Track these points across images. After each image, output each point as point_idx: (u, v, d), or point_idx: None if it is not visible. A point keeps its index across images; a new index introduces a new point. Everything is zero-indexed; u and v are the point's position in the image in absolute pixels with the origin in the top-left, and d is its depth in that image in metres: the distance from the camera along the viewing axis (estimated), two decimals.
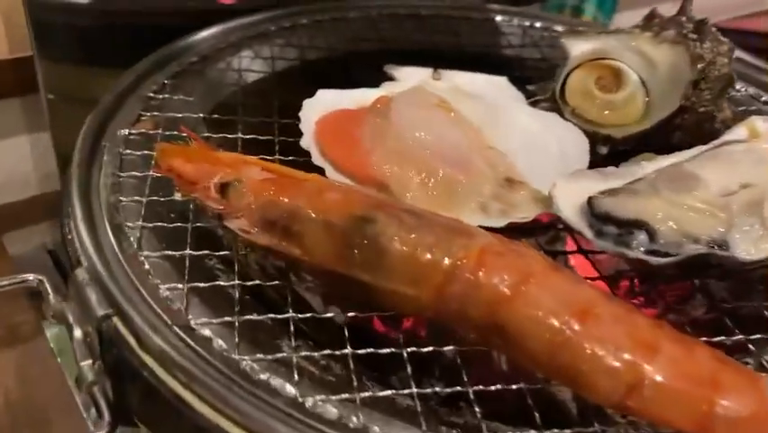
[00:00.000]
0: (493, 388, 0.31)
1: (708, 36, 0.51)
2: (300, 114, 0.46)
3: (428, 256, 0.32)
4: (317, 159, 0.42)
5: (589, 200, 0.39)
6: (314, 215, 0.33)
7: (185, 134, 0.40)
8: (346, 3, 0.67)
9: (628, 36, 0.53)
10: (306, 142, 0.44)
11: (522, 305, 0.30)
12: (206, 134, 0.47)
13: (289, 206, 0.34)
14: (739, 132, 0.44)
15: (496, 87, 0.55)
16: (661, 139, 0.52)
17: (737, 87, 0.63)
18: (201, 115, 0.49)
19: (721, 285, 0.43)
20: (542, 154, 0.48)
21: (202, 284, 0.34)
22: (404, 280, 0.32)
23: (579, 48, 0.53)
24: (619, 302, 0.32)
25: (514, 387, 0.32)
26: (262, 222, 0.34)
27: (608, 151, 0.50)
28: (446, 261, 0.32)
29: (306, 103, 0.47)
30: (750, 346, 0.35)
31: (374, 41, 0.64)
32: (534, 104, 0.53)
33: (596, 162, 0.49)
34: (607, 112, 0.52)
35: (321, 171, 0.42)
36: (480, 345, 0.32)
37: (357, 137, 0.43)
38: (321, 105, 0.47)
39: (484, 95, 0.53)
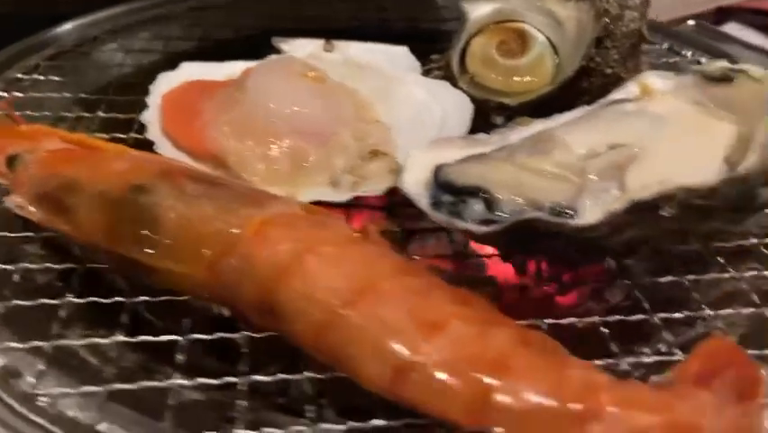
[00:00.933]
0: (270, 378, 0.27)
1: None
2: (151, 86, 0.43)
3: (204, 228, 0.28)
4: (153, 134, 0.39)
5: (436, 169, 0.34)
6: (90, 186, 0.30)
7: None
8: None
9: None
10: (148, 116, 0.40)
11: (296, 282, 0.26)
12: (69, 114, 0.45)
13: (65, 178, 0.30)
14: (631, 89, 0.38)
15: (392, 57, 0.50)
16: (565, 105, 0.47)
17: (684, 52, 0.57)
18: (66, 94, 0.47)
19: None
20: (423, 125, 0.43)
21: None
22: (177, 256, 0.28)
23: (479, 10, 0.49)
24: (420, 277, 0.27)
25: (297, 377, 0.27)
26: (36, 194, 0.31)
27: (504, 120, 0.45)
28: (222, 233, 0.28)
29: (162, 75, 0.44)
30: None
31: (289, 20, 0.61)
32: (427, 73, 0.49)
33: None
34: (510, 78, 0.47)
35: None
36: (262, 327, 0.28)
37: (200, 109, 0.40)
38: (178, 79, 0.44)
39: (378, 66, 0.49)
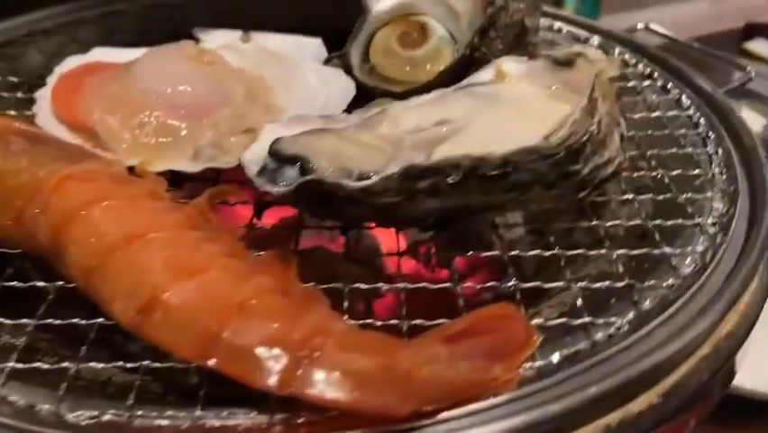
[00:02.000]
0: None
1: None
2: (56, 67, 0.46)
3: (15, 180, 0.30)
4: (40, 106, 0.42)
5: (273, 141, 0.36)
6: None
7: None
8: None
9: None
10: (42, 92, 0.43)
11: (76, 228, 0.28)
12: None
13: None
14: (486, 73, 0.39)
15: (303, 48, 0.52)
16: None
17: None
18: None
19: None
20: (307, 106, 0.45)
21: None
22: None
23: (382, 4, 0.50)
24: (199, 233, 0.29)
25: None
26: None
27: None
28: (29, 185, 0.30)
29: (71, 58, 0.47)
30: None
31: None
32: (327, 61, 0.50)
33: None
34: (408, 68, 0.48)
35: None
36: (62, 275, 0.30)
37: (84, 84, 0.42)
38: (85, 60, 0.47)
39: (287, 55, 0.51)
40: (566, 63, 0.37)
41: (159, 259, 0.26)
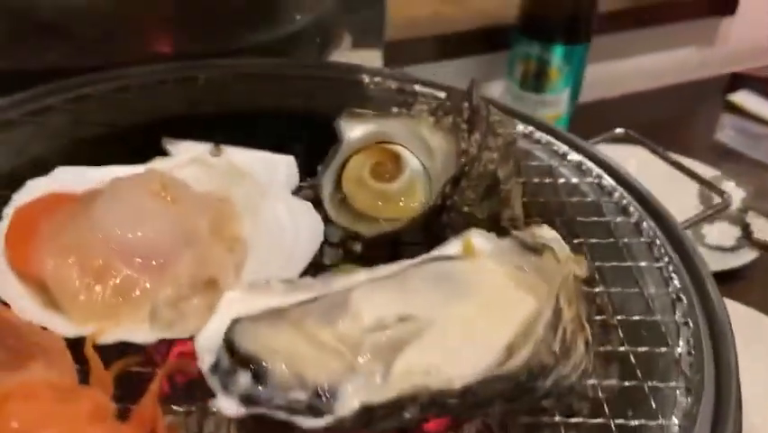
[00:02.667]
0: None
1: (479, 127, 0.45)
2: (15, 195, 0.44)
3: None
4: None
5: (231, 324, 0.35)
6: None
7: None
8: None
9: (411, 120, 0.48)
10: None
11: None
12: None
13: None
14: (454, 245, 0.38)
15: (274, 166, 0.51)
16: (429, 235, 0.47)
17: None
18: None
19: None
20: (273, 250, 0.44)
21: None
22: None
23: (357, 131, 0.49)
24: None
25: None
26: None
27: (363, 247, 0.45)
28: None
29: (31, 182, 0.45)
30: None
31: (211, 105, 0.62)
32: (298, 190, 0.49)
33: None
34: (380, 203, 0.47)
35: None
36: None
37: (40, 226, 0.41)
38: (45, 186, 0.45)
39: (258, 176, 0.50)
40: (534, 249, 0.36)
41: None
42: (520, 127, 0.58)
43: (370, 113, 0.49)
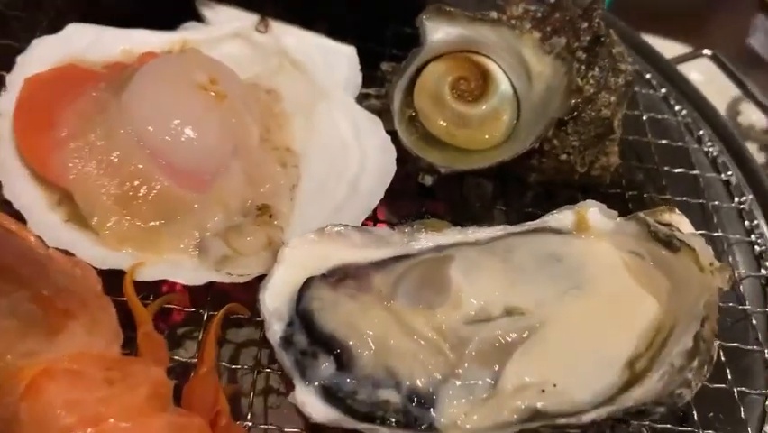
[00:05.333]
0: None
1: (600, 60, 0.38)
2: (19, 57, 0.35)
3: None
4: (1, 133, 0.32)
5: (305, 284, 0.29)
6: None
7: None
8: None
9: (511, 31, 0.40)
10: (2, 103, 0.33)
11: None
12: None
13: None
14: (566, 217, 0.32)
15: (333, 60, 0.42)
16: (508, 174, 0.41)
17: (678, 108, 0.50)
18: None
19: None
20: (333, 173, 0.37)
21: None
22: None
23: (442, 33, 0.40)
24: None
25: None
26: None
27: (434, 181, 0.39)
28: None
29: (38, 41, 0.36)
30: None
31: None
32: (364, 97, 0.41)
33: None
34: (457, 129, 0.40)
35: None
36: None
37: (59, 113, 0.32)
38: (56, 50, 0.36)
39: (313, 69, 0.41)
40: (665, 243, 0.30)
41: None
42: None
43: (463, 13, 0.40)
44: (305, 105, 0.40)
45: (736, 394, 0.35)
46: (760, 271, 0.40)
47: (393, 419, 0.26)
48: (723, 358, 0.36)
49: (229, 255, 0.32)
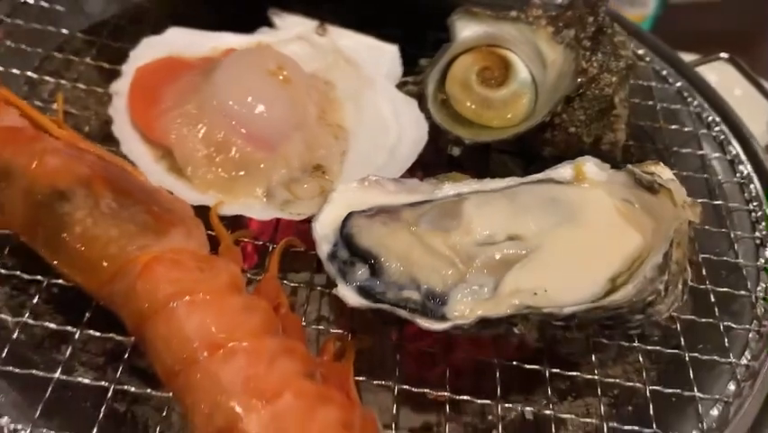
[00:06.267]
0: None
1: (602, 47, 0.44)
2: (132, 52, 0.45)
3: (103, 250, 0.31)
4: (117, 107, 0.41)
5: (347, 216, 0.36)
6: (20, 178, 0.33)
7: None
8: None
9: (529, 27, 0.47)
10: (118, 86, 0.43)
11: (161, 325, 0.30)
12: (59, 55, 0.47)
13: (5, 160, 0.34)
14: (567, 170, 0.39)
15: (378, 56, 0.50)
16: (527, 149, 0.47)
17: (690, 100, 0.55)
18: (63, 30, 0.49)
19: None
20: (376, 144, 0.45)
21: None
22: (76, 267, 0.32)
23: (469, 30, 0.48)
24: (277, 339, 0.31)
25: None
26: None
27: (461, 152, 0.46)
28: (117, 259, 0.31)
29: (146, 40, 0.45)
30: None
31: None
32: (402, 84, 0.49)
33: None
34: (482, 109, 0.47)
35: None
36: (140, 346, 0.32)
37: (163, 91, 0.42)
38: (160, 47, 0.45)
39: (362, 63, 0.50)
40: (648, 187, 0.37)
41: (238, 379, 0.28)
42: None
43: (487, 13, 0.48)
44: (354, 93, 0.48)
45: (722, 328, 0.40)
46: (754, 234, 0.46)
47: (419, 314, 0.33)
48: (713, 299, 0.41)
49: (290, 200, 0.40)
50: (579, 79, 0.43)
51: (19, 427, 0.30)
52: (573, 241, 0.36)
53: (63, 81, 0.46)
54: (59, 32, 0.49)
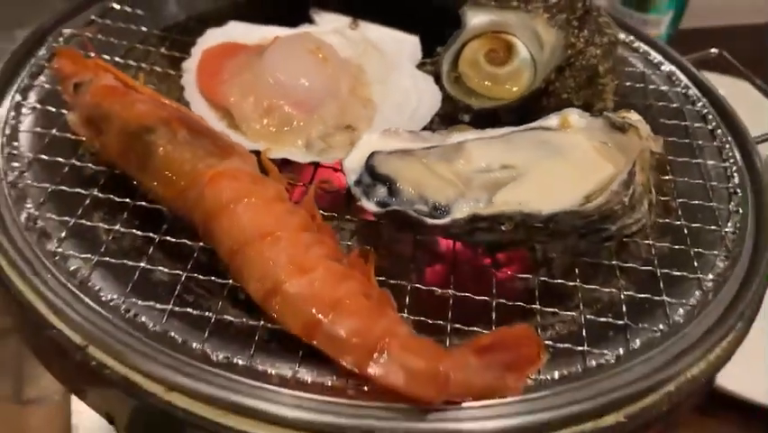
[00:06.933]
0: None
1: (588, 26, 0.52)
2: (199, 39, 0.55)
3: (180, 167, 0.41)
4: (187, 79, 0.51)
5: (370, 155, 0.45)
6: (117, 120, 0.43)
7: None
8: None
9: (527, 15, 0.56)
10: (188, 64, 0.53)
11: (224, 220, 0.38)
12: (140, 46, 0.58)
13: (104, 109, 0.43)
14: (554, 120, 0.47)
15: (402, 45, 0.59)
16: (527, 115, 0.55)
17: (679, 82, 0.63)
18: (143, 28, 0.59)
19: None
20: (399, 109, 0.53)
21: None
22: (160, 181, 0.41)
23: (478, 19, 0.57)
24: (313, 235, 0.39)
25: None
26: (85, 117, 0.44)
27: (470, 118, 0.54)
28: (191, 173, 0.40)
29: (210, 31, 0.56)
30: None
31: None
32: (421, 65, 0.58)
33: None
34: (487, 83, 0.56)
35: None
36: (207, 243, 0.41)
37: (224, 66, 0.51)
38: (221, 36, 0.55)
39: (387, 51, 0.59)
40: (620, 128, 0.44)
41: (283, 257, 0.37)
42: (621, 35, 0.65)
43: (492, 3, 0.57)
44: (381, 75, 0.57)
45: (692, 253, 0.46)
46: (728, 184, 0.52)
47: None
48: (686, 232, 0.48)
49: (325, 148, 0.49)
50: (568, 51, 0.52)
51: (114, 296, 0.38)
52: (556, 169, 0.43)
53: (143, 65, 0.56)
54: (140, 29, 0.59)
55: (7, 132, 0.47)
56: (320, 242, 0.39)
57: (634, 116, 0.45)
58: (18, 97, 0.50)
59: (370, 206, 0.41)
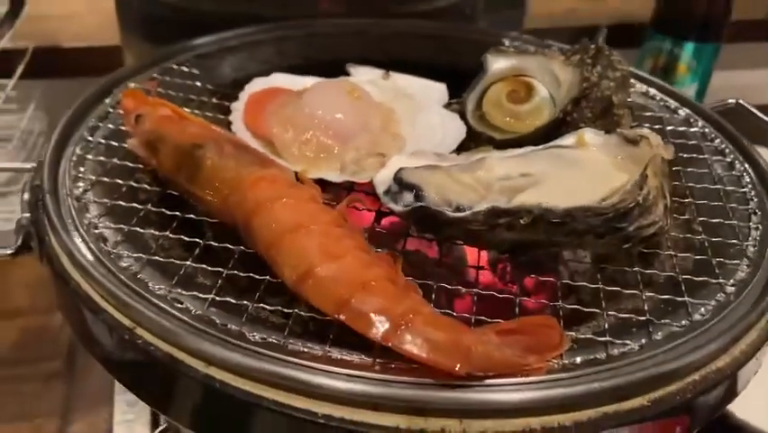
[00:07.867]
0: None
1: (601, 62, 0.57)
2: (246, 86, 0.61)
3: (226, 175, 0.45)
4: (234, 117, 0.57)
5: (398, 170, 0.48)
6: (171, 140, 0.48)
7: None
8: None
9: (545, 58, 0.60)
10: (236, 105, 0.58)
11: (262, 216, 0.42)
12: (195, 97, 0.64)
13: (161, 133, 0.49)
14: (570, 138, 0.50)
15: (429, 90, 0.65)
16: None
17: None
18: (198, 83, 0.66)
19: None
20: (426, 141, 0.58)
21: None
22: (208, 188, 0.45)
23: (498, 64, 0.62)
24: (343, 229, 0.42)
25: None
26: (144, 141, 0.49)
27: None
28: (235, 180, 0.44)
29: (256, 80, 0.62)
30: None
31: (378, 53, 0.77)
32: (447, 105, 0.62)
33: None
34: (509, 119, 0.60)
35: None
36: (249, 246, 0.44)
37: (267, 105, 0.57)
38: (266, 84, 0.61)
39: (416, 95, 0.64)
40: (633, 141, 0.47)
41: (315, 244, 0.40)
42: (640, 86, 0.69)
43: (512, 50, 0.62)
44: (410, 115, 0.62)
45: (714, 263, 0.47)
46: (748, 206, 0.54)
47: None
48: (707, 245, 0.49)
49: (358, 171, 0.53)
50: (584, 85, 0.55)
51: (161, 287, 0.41)
52: (573, 177, 0.46)
53: (197, 111, 0.62)
54: (195, 84, 0.66)
55: (74, 159, 0.53)
56: (350, 236, 0.42)
57: (645, 131, 0.48)
58: (86, 134, 0.56)
59: (396, 207, 0.44)
